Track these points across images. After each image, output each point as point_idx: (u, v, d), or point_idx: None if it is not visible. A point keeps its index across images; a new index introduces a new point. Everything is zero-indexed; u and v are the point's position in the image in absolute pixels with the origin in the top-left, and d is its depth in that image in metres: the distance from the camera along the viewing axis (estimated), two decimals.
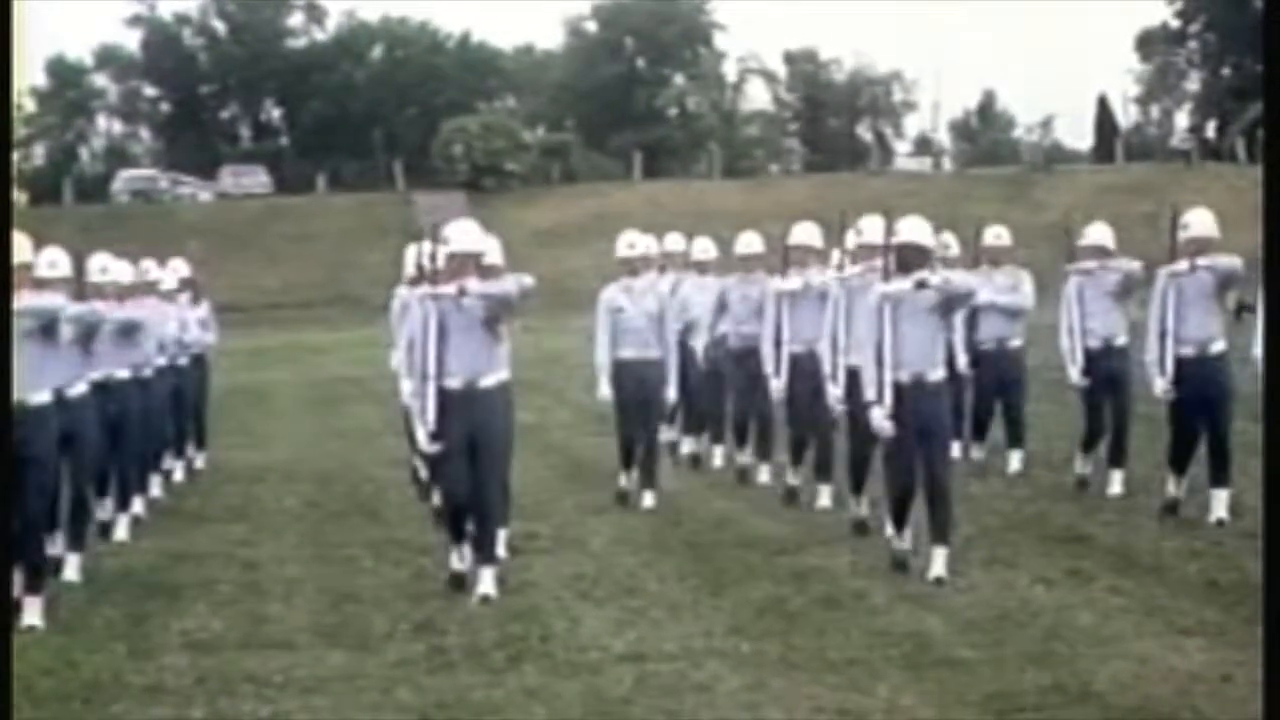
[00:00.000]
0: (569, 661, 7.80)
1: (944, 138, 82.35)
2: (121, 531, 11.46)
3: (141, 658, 8.10)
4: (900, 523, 9.54)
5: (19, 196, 57.39)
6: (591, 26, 76.79)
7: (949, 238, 12.76)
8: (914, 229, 9.42)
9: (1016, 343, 13.13)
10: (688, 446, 14.52)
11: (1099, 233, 12.16)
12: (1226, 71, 70.86)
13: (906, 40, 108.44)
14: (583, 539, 10.93)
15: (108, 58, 78.24)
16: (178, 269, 14.37)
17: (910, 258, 9.31)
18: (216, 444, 16.30)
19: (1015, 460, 13.09)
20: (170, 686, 7.59)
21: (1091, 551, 10.00)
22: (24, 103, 68.82)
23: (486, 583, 9.12)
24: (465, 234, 9.33)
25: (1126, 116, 74.60)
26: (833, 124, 79.74)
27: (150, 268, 13.11)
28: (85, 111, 79.12)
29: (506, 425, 9.48)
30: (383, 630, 8.52)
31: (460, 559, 9.43)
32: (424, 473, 11.86)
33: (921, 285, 9.18)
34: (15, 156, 61.03)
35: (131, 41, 77.85)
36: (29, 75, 71.85)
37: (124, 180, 61.47)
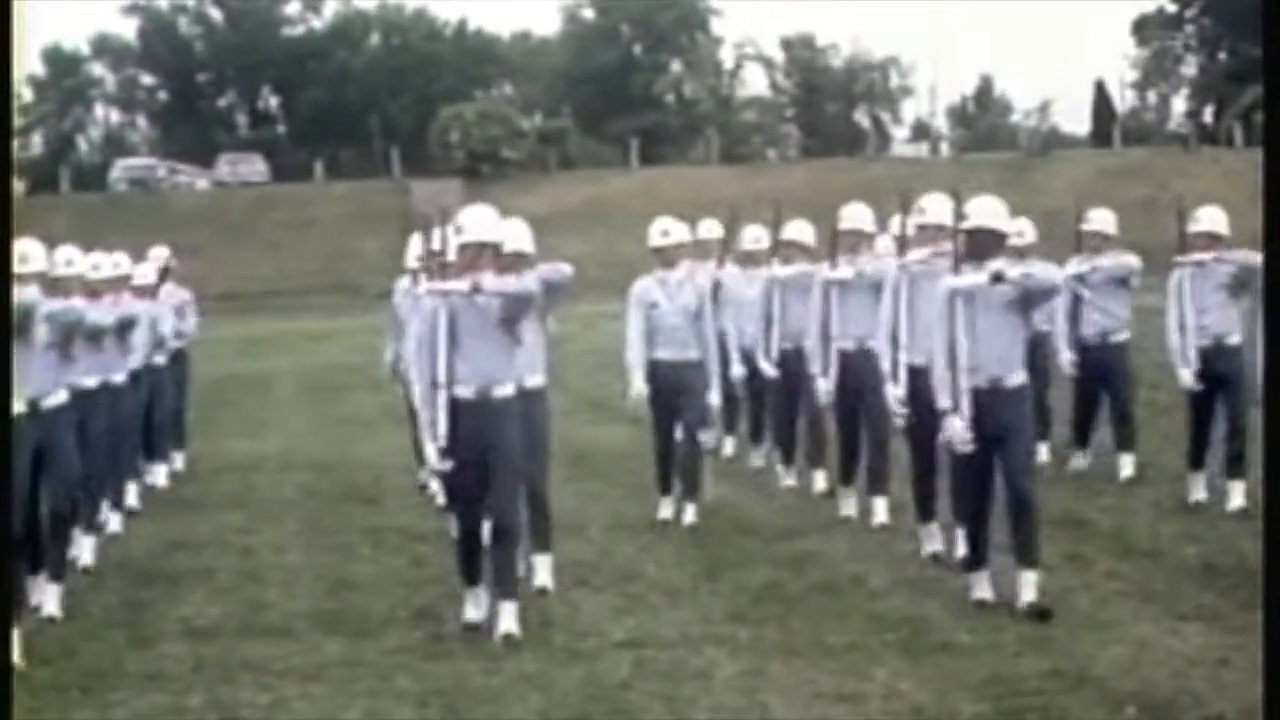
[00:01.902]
0: (567, 648, 7.80)
1: (941, 123, 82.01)
2: (86, 555, 9.94)
3: (140, 645, 8.11)
4: (977, 553, 8.37)
5: (16, 186, 57.37)
6: (588, 13, 76.64)
7: (1024, 223, 11.74)
8: (987, 210, 8.24)
9: (1122, 336, 12.05)
10: (758, 460, 13.09)
11: (1212, 218, 10.78)
12: (1223, 56, 70.70)
13: (903, 25, 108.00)
14: (581, 525, 10.91)
15: (104, 46, 78.15)
16: (159, 257, 13.55)
17: (983, 244, 8.12)
18: (214, 432, 16.30)
19: (1127, 465, 11.92)
20: (169, 674, 7.59)
21: (1090, 536, 10.00)
22: (21, 91, 68.80)
23: (508, 620, 7.99)
24: (481, 222, 8.18)
25: (1124, 101, 74.46)
26: (830, 110, 79.48)
27: (120, 261, 11.54)
28: (82, 100, 79.06)
29: (533, 437, 8.54)
30: (381, 617, 8.52)
31: (476, 606, 8.23)
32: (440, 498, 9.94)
33: (998, 279, 7.98)
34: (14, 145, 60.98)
35: (128, 30, 77.93)
36: (26, 64, 71.87)
37: (121, 169, 61.42)
